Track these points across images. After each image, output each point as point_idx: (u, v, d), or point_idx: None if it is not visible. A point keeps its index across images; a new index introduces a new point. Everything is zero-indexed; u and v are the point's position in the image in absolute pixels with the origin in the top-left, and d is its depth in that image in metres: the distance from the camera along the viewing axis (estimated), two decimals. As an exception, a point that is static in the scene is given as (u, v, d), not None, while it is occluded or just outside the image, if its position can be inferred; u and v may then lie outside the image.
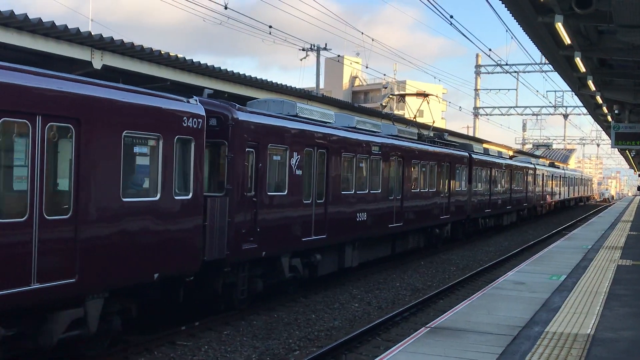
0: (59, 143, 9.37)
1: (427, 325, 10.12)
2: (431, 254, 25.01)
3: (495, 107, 64.13)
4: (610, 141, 53.53)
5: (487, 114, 64.11)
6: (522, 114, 65.21)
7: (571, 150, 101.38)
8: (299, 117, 16.08)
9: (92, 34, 15.17)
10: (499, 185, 34.84)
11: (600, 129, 58.21)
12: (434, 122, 32.56)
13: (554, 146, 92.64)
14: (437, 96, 36.29)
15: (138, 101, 10.68)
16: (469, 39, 51.27)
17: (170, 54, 17.47)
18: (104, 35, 15.26)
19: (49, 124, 9.03)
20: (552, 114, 64.55)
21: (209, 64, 18.88)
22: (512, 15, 14.62)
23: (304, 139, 15.76)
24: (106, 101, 9.98)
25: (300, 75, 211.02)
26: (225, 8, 21.12)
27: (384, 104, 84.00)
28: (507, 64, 51.30)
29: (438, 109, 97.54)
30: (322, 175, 16.62)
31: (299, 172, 15.43)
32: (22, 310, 8.92)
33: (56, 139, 9.29)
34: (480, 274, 21.12)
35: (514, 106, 63.87)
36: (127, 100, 10.45)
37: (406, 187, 21.80)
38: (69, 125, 9.35)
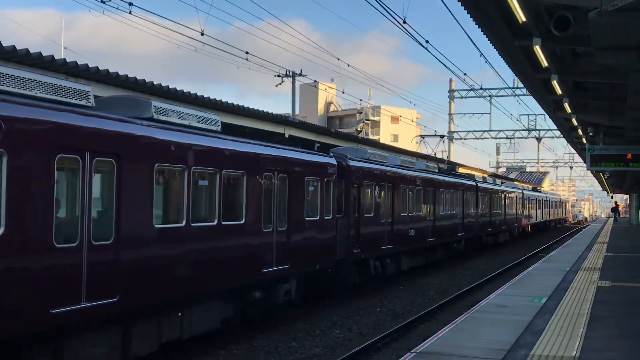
0: (282, 186, 15.50)
1: (412, 351, 9.97)
2: (411, 278, 24.94)
3: (470, 131, 64.62)
4: (583, 163, 54.08)
5: (461, 138, 64.54)
6: (496, 138, 65.78)
7: (545, 173, 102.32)
8: (370, 160, 21.87)
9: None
10: (497, 208, 40.65)
11: (574, 151, 58.83)
12: (448, 157, 39.39)
13: (528, 169, 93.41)
14: (447, 136, 41.54)
15: (311, 158, 17.29)
16: (443, 64, 52.02)
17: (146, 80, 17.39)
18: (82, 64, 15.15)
19: (279, 175, 15.33)
20: (525, 137, 65.13)
21: (180, 90, 18.79)
22: (489, 40, 14.71)
23: (381, 176, 22.11)
24: (300, 160, 16.50)
25: (276, 101, 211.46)
26: (202, 34, 21.04)
27: (359, 129, 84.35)
28: (480, 88, 51.75)
29: (413, 133, 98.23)
30: (390, 201, 22.73)
31: (378, 199, 21.77)
32: (267, 281, 14.86)
33: (282, 184, 15.50)
34: (460, 298, 21.05)
35: (488, 130, 64.39)
36: (308, 158, 17.02)
37: (437, 210, 27.82)
38: (285, 175, 15.60)
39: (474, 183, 35.12)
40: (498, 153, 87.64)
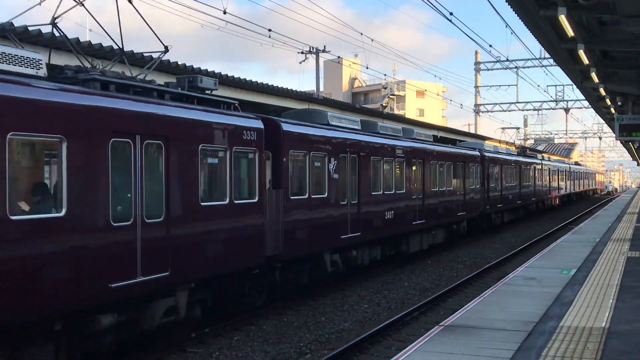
0: (462, 168, 28.12)
1: (441, 324, 10.02)
2: (439, 252, 24.94)
3: (496, 104, 63.92)
4: (612, 134, 53.58)
5: (488, 111, 63.94)
6: (523, 110, 64.99)
7: (573, 144, 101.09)
8: (486, 150, 33.27)
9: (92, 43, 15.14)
10: (552, 180, 51.89)
11: (602, 121, 57.99)
12: (522, 142, 53.96)
13: (556, 140, 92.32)
14: (519, 128, 61.83)
15: (470, 153, 29.68)
16: (469, 36, 51.49)
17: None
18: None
19: (460, 163, 27.75)
20: (553, 109, 64.25)
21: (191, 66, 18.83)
22: (514, 10, 14.50)
23: (495, 160, 33.90)
24: (466, 154, 29.11)
25: (300, 78, 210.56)
26: (224, 13, 21.03)
27: (384, 105, 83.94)
28: (507, 60, 51.10)
29: (439, 107, 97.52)
30: (499, 176, 34.47)
31: (495, 176, 33.54)
32: (457, 220, 27.66)
33: (462, 167, 28.16)
34: (488, 271, 21.02)
35: (515, 102, 63.66)
36: (469, 152, 29.60)
37: (521, 182, 39.62)
38: (463, 163, 28.02)
39: (539, 161, 47.00)
40: (526, 125, 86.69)
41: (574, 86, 36.54)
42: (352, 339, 12.49)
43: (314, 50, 41.14)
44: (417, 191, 22.47)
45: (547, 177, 49.62)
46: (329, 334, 13.14)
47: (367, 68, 42.67)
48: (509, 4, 14.05)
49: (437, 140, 32.08)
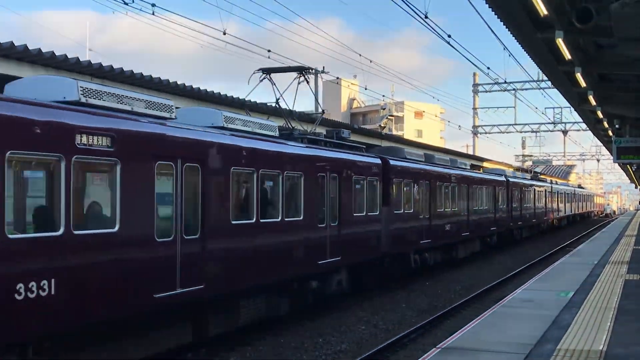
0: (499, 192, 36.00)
1: (438, 346, 9.98)
2: (437, 273, 24.90)
3: (494, 125, 64.11)
4: (610, 156, 54.06)
5: (486, 132, 64.09)
6: (521, 131, 65.11)
7: (571, 167, 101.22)
8: (509, 175, 39.75)
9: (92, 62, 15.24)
10: (560, 202, 58.38)
11: (600, 144, 58.15)
12: (520, 164, 64.63)
13: (554, 162, 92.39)
14: (529, 155, 71.68)
15: (491, 178, 35.18)
16: (467, 58, 51.50)
17: (163, 78, 17.54)
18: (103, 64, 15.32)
19: (496, 187, 35.19)
20: (551, 131, 64.42)
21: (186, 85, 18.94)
22: (511, 33, 14.62)
23: (518, 185, 40.16)
24: (481, 178, 33.49)
25: (299, 98, 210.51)
26: (224, 34, 21.13)
27: (382, 125, 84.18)
28: (505, 82, 51.32)
29: (437, 129, 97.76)
30: (520, 199, 40.04)
31: (516, 197, 38.99)
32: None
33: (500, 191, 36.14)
34: (486, 293, 20.96)
35: (513, 124, 63.83)
36: (485, 177, 35.01)
37: (536, 203, 46.12)
38: (492, 187, 34.90)
39: (550, 185, 53.93)
40: (524, 147, 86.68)
41: (572, 108, 36.79)
42: (349, 360, 12.42)
43: (313, 70, 41.30)
44: (464, 209, 28.36)
45: (556, 199, 56.43)
46: (326, 355, 13.08)
47: (365, 89, 42.84)
48: (506, 27, 14.16)
49: (474, 167, 38.96)
